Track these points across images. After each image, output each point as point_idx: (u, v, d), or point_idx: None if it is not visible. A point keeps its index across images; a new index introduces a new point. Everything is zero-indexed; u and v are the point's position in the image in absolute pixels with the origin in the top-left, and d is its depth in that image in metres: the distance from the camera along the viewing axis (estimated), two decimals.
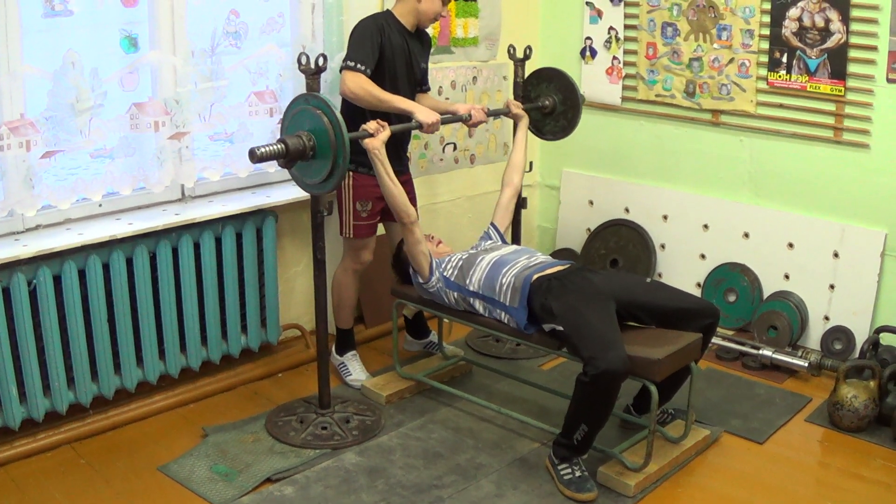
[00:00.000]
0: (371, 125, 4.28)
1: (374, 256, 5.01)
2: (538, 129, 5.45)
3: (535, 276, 4.25)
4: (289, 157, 3.89)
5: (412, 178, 5.11)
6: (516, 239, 5.50)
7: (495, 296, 4.32)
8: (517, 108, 5.15)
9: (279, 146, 3.87)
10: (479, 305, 4.42)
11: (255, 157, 3.84)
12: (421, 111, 4.53)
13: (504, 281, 4.29)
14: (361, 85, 4.48)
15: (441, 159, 5.86)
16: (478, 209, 6.22)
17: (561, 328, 4.05)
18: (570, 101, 5.29)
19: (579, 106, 5.27)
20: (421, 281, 4.56)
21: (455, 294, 4.47)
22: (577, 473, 3.99)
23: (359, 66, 4.50)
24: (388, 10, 4.76)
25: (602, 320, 3.98)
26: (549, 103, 5.33)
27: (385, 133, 4.29)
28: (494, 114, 5.20)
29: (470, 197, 6.17)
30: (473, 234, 6.02)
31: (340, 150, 3.85)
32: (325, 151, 3.90)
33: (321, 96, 3.97)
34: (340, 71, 4.55)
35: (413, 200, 4.91)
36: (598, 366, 3.75)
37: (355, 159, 4.69)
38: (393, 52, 4.65)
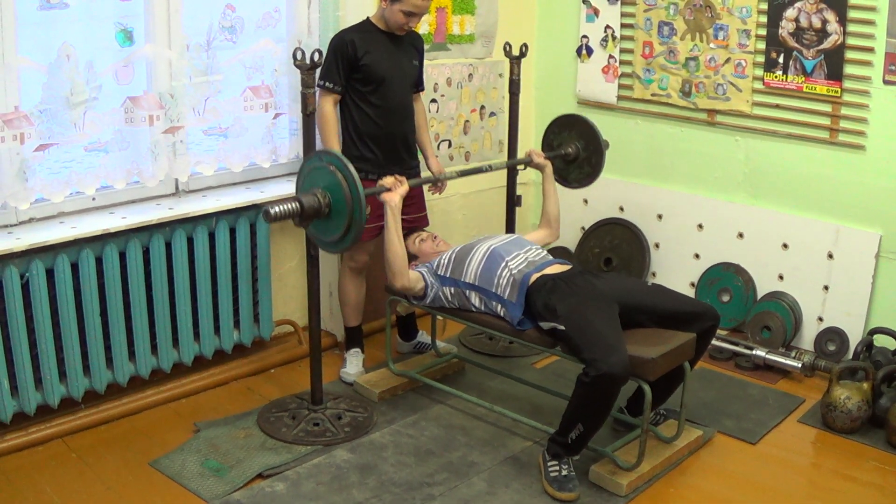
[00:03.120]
0: (388, 180, 4.30)
1: (368, 255, 5.01)
2: (563, 177, 5.33)
3: (536, 275, 4.26)
4: (304, 216, 3.83)
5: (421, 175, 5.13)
6: None
7: (492, 288, 4.32)
8: (539, 157, 5.07)
9: (294, 205, 3.80)
10: (475, 298, 4.41)
11: (270, 216, 3.75)
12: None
13: (503, 274, 4.30)
14: (322, 110, 4.66)
15: (437, 156, 5.85)
16: (472, 206, 6.22)
17: (563, 328, 4.05)
18: (593, 146, 5.17)
19: (602, 151, 5.15)
20: (417, 301, 4.58)
21: (451, 290, 4.47)
22: (564, 472, 3.99)
23: (327, 84, 4.66)
24: (367, 17, 4.81)
25: (605, 323, 3.98)
26: (573, 151, 5.21)
27: (403, 188, 4.30)
28: (517, 164, 5.17)
29: (465, 194, 6.15)
30: (468, 231, 6.05)
31: (357, 206, 3.80)
32: (340, 208, 3.84)
33: (335, 152, 3.94)
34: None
35: (422, 199, 5.06)
36: (599, 368, 3.75)
37: (353, 165, 4.73)
38: (373, 58, 4.67)
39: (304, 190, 3.96)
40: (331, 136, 4.68)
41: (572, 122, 5.23)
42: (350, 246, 3.99)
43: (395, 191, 4.28)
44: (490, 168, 4.88)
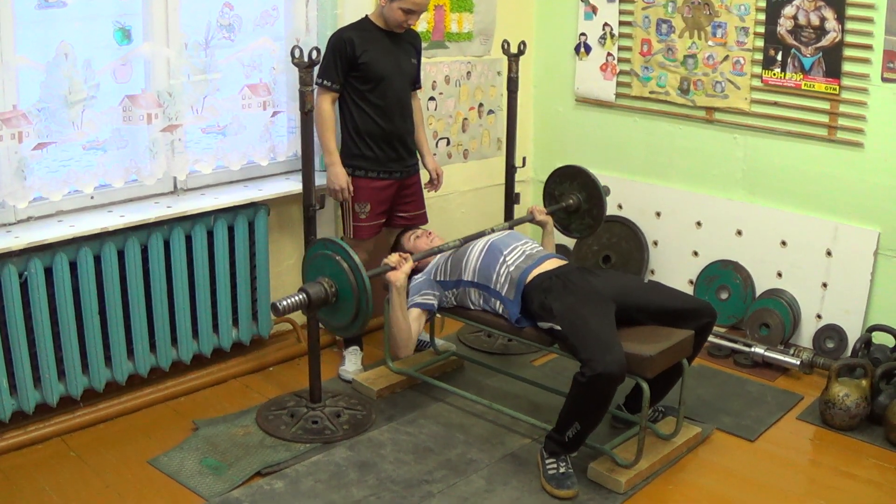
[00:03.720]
0: (393, 258, 4.27)
1: (371, 255, 5.01)
2: (565, 227, 5.32)
3: (534, 271, 4.26)
4: (311, 306, 3.82)
5: (419, 173, 5.16)
6: None
7: (491, 284, 4.33)
8: (541, 214, 5.05)
9: (301, 297, 3.79)
10: (474, 294, 4.42)
11: (278, 311, 3.73)
12: (332, 174, 4.78)
13: (501, 270, 4.30)
14: (320, 108, 4.67)
15: (434, 154, 5.85)
16: (471, 204, 6.22)
17: (559, 328, 4.05)
18: (594, 197, 5.14)
19: (603, 202, 5.11)
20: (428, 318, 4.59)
21: (454, 291, 4.48)
22: (562, 469, 3.99)
23: (325, 82, 4.68)
24: (366, 15, 4.82)
25: (601, 323, 3.98)
26: (574, 202, 5.18)
27: (407, 265, 4.26)
28: (519, 222, 5.10)
29: (462, 192, 6.16)
30: (467, 228, 6.00)
31: (363, 292, 3.79)
32: (347, 295, 3.83)
33: (337, 241, 3.92)
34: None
35: (422, 199, 5.10)
36: (594, 368, 3.75)
37: (352, 163, 4.77)
38: (372, 56, 4.69)
39: (309, 278, 3.95)
40: (328, 134, 4.69)
41: (574, 173, 5.19)
42: (359, 330, 4.02)
43: (399, 269, 4.22)
44: (493, 230, 4.71)
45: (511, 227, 4.84)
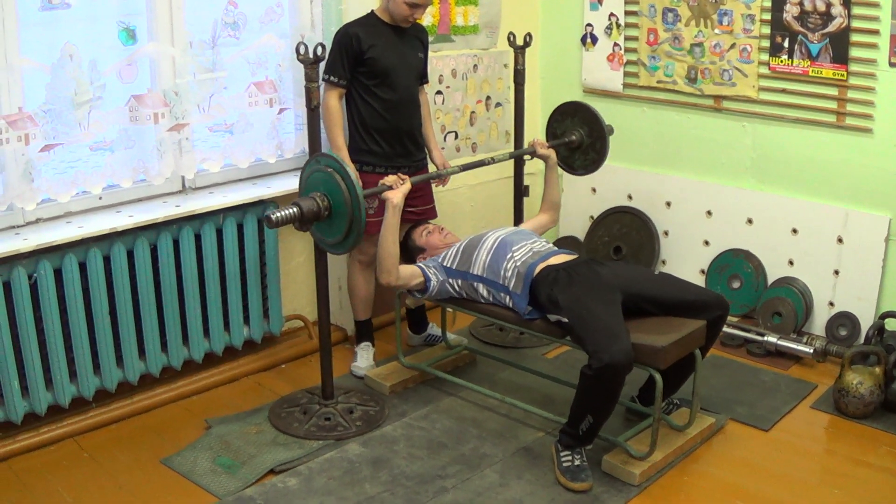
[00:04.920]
0: (390, 179, 4.29)
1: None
2: (569, 164, 5.32)
3: (541, 265, 4.25)
4: (304, 220, 3.87)
5: (428, 167, 5.15)
6: None
7: (499, 279, 4.32)
8: (543, 147, 5.04)
9: (293, 209, 3.86)
10: (482, 289, 4.41)
11: (272, 222, 3.83)
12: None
13: (508, 266, 4.29)
14: (327, 104, 4.66)
15: (443, 148, 5.84)
16: (480, 198, 6.21)
17: (566, 320, 4.04)
18: (596, 132, 5.15)
19: (606, 136, 5.13)
20: (421, 294, 4.57)
21: (459, 281, 4.46)
22: (577, 462, 3.99)
23: (332, 77, 4.67)
24: (371, 10, 4.82)
25: (607, 313, 3.97)
26: (577, 138, 5.18)
27: (405, 186, 4.28)
28: (520, 154, 5.15)
29: (472, 185, 6.14)
30: (476, 222, 6.04)
31: (356, 205, 3.83)
32: (340, 210, 3.88)
33: (332, 154, 3.97)
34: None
35: (431, 193, 5.07)
36: (601, 359, 3.74)
37: (359, 158, 4.76)
38: (378, 51, 4.68)
39: (304, 195, 3.99)
40: (336, 130, 4.69)
41: (574, 109, 5.22)
42: (353, 246, 4.01)
43: (397, 189, 4.27)
44: (493, 161, 4.87)
45: (513, 158, 4.95)
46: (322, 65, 4.32)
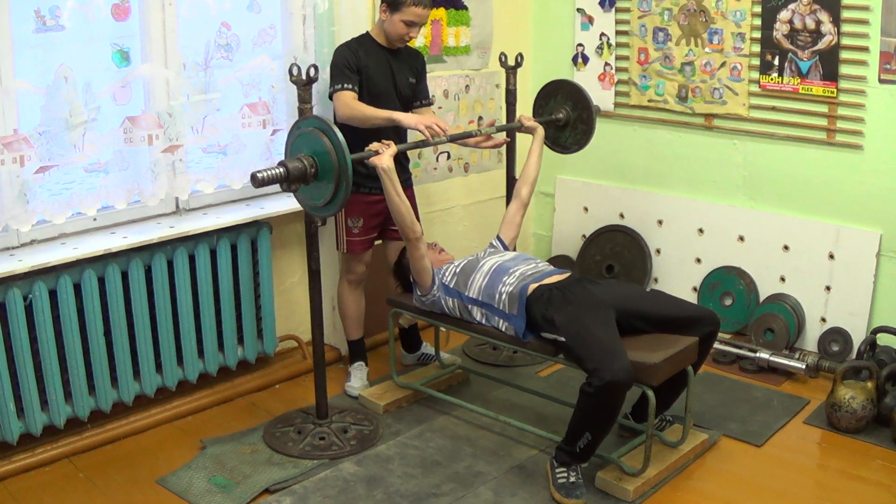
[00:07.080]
0: (374, 145, 4.28)
1: (370, 267, 5.02)
2: (560, 144, 5.34)
3: (534, 286, 4.26)
4: (290, 180, 3.87)
5: (413, 187, 5.14)
6: None
7: (494, 303, 4.32)
8: (529, 120, 5.05)
9: (279, 170, 3.85)
10: (477, 313, 4.41)
11: (257, 181, 3.81)
12: (405, 116, 4.57)
13: (503, 290, 4.30)
14: (348, 103, 4.58)
15: (435, 168, 5.87)
16: (473, 218, 6.23)
17: (563, 339, 4.05)
18: (581, 105, 5.19)
19: (591, 108, 5.16)
20: (420, 293, 4.57)
21: (454, 301, 4.47)
22: (572, 479, 3.99)
23: (344, 85, 4.61)
24: (366, 31, 4.84)
25: (605, 331, 3.98)
26: (563, 115, 5.21)
27: (391, 149, 4.26)
28: (508, 129, 5.15)
29: (465, 206, 6.17)
30: (469, 242, 6.05)
31: (343, 168, 3.83)
32: (327, 171, 3.88)
33: (315, 116, 3.96)
34: (330, 98, 4.67)
35: (416, 210, 4.96)
36: (602, 377, 3.75)
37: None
38: (371, 72, 4.71)
39: (291, 156, 4.00)
40: (368, 110, 4.57)
41: (555, 87, 5.27)
42: (341, 206, 3.95)
43: (383, 153, 4.23)
44: (479, 132, 4.86)
45: (501, 132, 5.02)
46: (315, 86, 4.32)
